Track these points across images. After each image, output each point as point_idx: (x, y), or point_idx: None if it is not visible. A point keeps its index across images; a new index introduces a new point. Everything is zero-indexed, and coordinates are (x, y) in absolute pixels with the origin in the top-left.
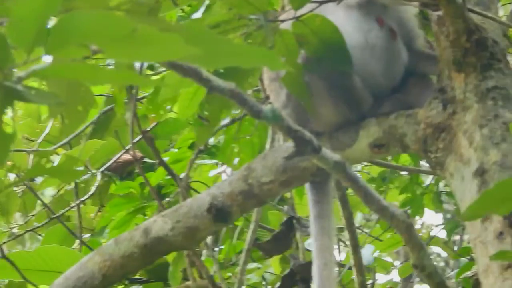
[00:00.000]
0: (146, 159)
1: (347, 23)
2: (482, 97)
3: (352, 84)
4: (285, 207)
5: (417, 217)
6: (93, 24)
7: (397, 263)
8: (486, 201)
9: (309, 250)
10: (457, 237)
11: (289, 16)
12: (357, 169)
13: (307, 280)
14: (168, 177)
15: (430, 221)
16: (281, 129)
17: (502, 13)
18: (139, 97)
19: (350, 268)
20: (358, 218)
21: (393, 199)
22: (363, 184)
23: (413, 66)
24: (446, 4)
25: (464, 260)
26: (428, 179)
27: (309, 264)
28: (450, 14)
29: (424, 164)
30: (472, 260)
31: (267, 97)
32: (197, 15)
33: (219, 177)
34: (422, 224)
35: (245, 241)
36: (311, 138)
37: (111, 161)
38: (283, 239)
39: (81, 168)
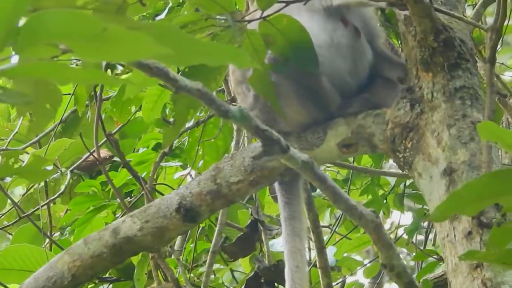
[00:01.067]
0: (115, 158)
1: (313, 23)
2: (450, 96)
3: (319, 84)
4: (250, 209)
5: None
6: (62, 23)
7: (366, 261)
8: (454, 201)
9: (276, 251)
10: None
11: (256, 16)
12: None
13: (272, 283)
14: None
15: (401, 221)
16: (248, 128)
17: (469, 12)
18: (105, 97)
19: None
20: (327, 217)
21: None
22: (331, 183)
23: (376, 67)
24: (413, 3)
25: (430, 259)
26: (393, 180)
27: (274, 266)
28: (417, 14)
29: (389, 164)
30: (436, 260)
31: (232, 99)
32: (161, 17)
33: (184, 180)
34: (391, 224)
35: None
36: (278, 138)
37: (81, 160)
38: (248, 241)
39: (50, 167)
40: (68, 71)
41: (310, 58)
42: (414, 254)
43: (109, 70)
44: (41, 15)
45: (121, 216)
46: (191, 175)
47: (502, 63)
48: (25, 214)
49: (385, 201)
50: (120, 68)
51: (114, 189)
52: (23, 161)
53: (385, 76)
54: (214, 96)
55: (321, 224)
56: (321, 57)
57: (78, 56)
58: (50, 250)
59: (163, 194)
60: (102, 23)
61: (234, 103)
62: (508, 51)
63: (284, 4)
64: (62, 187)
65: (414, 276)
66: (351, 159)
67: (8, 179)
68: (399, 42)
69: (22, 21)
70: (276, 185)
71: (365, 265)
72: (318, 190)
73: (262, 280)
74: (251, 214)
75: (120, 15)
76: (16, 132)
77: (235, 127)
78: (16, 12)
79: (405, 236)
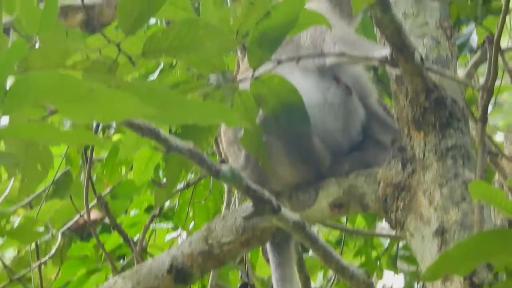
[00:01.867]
0: (106, 220)
1: (306, 82)
2: (441, 156)
3: (310, 144)
4: (240, 272)
5: (376, 278)
6: (49, 85)
7: None
8: (446, 261)
9: None
10: None
11: (247, 76)
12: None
13: None
14: None
15: (392, 282)
16: (239, 188)
17: (460, 72)
18: (95, 157)
19: None
20: (319, 278)
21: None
22: (323, 244)
23: (369, 127)
24: (404, 62)
25: None
26: (387, 241)
27: None
28: (408, 73)
29: (381, 226)
30: None
31: (222, 161)
32: (152, 77)
33: (175, 241)
34: (383, 286)
35: None
36: (270, 198)
37: (72, 222)
38: None
39: (42, 228)
40: (57, 133)
41: (301, 118)
42: None
43: (101, 132)
44: (27, 77)
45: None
46: (182, 237)
47: (494, 126)
48: (16, 277)
49: (378, 262)
50: (113, 129)
51: (105, 252)
52: (14, 223)
53: (377, 138)
54: (205, 156)
55: (314, 285)
56: (313, 117)
57: (65, 117)
58: None
59: (153, 257)
60: (88, 84)
61: (223, 164)
62: (500, 112)
63: (276, 63)
64: (53, 249)
65: None
66: (344, 218)
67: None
68: (391, 101)
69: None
70: (267, 246)
71: None
72: (310, 251)
73: None
74: (241, 278)
75: (110, 75)
76: (7, 194)
77: (226, 188)
78: (3, 73)
79: None
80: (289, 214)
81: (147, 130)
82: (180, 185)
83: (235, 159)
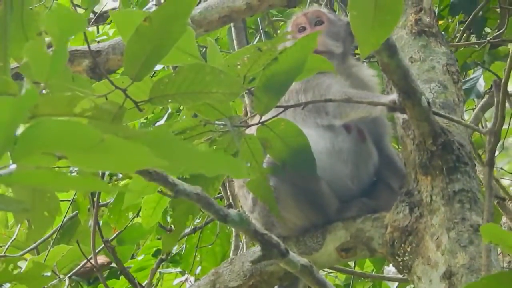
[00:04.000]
0: (113, 264)
1: (311, 130)
2: (449, 200)
3: (317, 189)
4: None
5: None
6: (59, 133)
7: None
8: None
9: None
10: None
11: (255, 121)
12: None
13: None
14: None
15: None
16: (247, 233)
17: (467, 117)
18: (102, 203)
19: None
20: None
21: None
22: (331, 287)
23: (380, 171)
24: (411, 107)
25: None
26: (395, 285)
27: None
28: (415, 117)
29: (388, 269)
30: None
31: (229, 205)
32: (160, 122)
33: (183, 286)
34: None
35: None
36: (278, 242)
37: (79, 266)
38: None
39: (49, 273)
40: (65, 179)
41: (308, 162)
42: None
43: (108, 177)
44: (38, 124)
45: None
46: (189, 281)
47: (501, 168)
48: None
49: None
50: (120, 174)
51: None
52: (22, 268)
53: (388, 183)
54: (213, 201)
55: None
56: (321, 162)
57: (74, 165)
58: None
59: None
60: (99, 134)
61: (231, 209)
62: (506, 155)
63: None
64: None
65: None
66: (352, 262)
67: (7, 286)
68: (398, 146)
69: (20, 129)
70: None
71: None
72: None
73: None
74: None
75: (117, 123)
76: (14, 239)
77: (233, 233)
78: (14, 121)
79: None
80: (297, 258)
81: (155, 174)
82: (187, 230)
83: (244, 201)
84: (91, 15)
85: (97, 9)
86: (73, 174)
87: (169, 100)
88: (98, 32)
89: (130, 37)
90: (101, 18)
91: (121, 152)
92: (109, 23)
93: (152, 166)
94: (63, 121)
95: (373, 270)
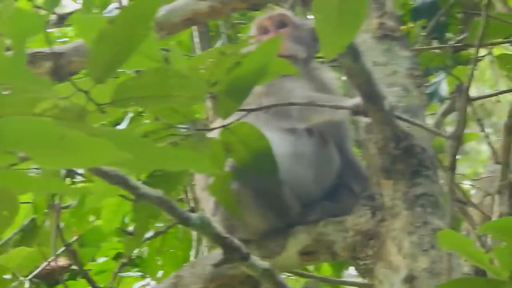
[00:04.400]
0: (74, 266)
1: (273, 134)
2: (410, 204)
3: (279, 192)
4: None
5: None
6: (20, 131)
7: None
8: None
9: None
10: None
11: (217, 125)
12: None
13: None
14: None
15: None
16: (209, 236)
17: (429, 121)
18: (64, 205)
19: None
20: None
21: None
22: None
23: (342, 175)
24: (374, 111)
25: None
26: None
27: None
28: (378, 121)
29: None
30: None
31: (192, 209)
32: (121, 126)
33: None
34: None
35: None
36: (239, 246)
37: (39, 269)
38: None
39: (9, 276)
40: (26, 180)
41: (270, 166)
42: None
43: (67, 179)
44: None
45: None
46: (150, 286)
47: (462, 174)
48: None
49: None
50: (79, 176)
51: None
52: None
53: (350, 187)
54: (175, 204)
55: None
56: (283, 166)
57: (37, 163)
58: None
59: None
60: (60, 130)
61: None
62: (467, 160)
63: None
64: None
65: None
66: (312, 267)
67: None
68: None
69: None
70: None
71: None
72: None
73: None
74: None
75: (80, 123)
76: None
77: (194, 237)
78: None
79: None
80: (259, 261)
81: (116, 177)
82: (149, 234)
83: (206, 204)
84: (54, 17)
85: (62, 10)
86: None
87: (132, 103)
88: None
89: (94, 40)
90: (63, 20)
91: (84, 148)
92: (69, 25)
93: (115, 161)
94: (23, 118)
95: (332, 274)
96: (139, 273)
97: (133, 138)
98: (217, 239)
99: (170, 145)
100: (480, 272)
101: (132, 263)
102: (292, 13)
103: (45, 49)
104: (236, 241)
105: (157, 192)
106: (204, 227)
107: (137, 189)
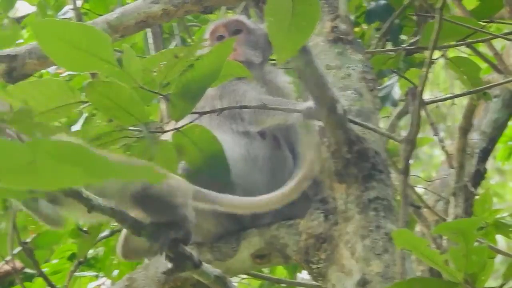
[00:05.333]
0: (26, 269)
1: (226, 137)
2: (363, 207)
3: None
4: None
5: None
6: None
7: None
8: None
9: None
10: None
11: (170, 127)
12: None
13: None
14: None
15: None
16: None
17: (382, 124)
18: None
19: None
20: None
21: None
22: None
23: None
24: (327, 114)
25: None
26: None
27: None
28: (331, 125)
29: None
30: None
31: None
32: (76, 127)
33: None
34: None
35: None
36: (191, 254)
37: None
38: None
39: None
40: None
41: (222, 169)
42: None
43: None
44: None
45: None
46: (105, 285)
47: (418, 176)
48: None
49: None
50: None
51: None
52: None
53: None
54: (127, 215)
55: None
56: (236, 169)
57: (5, 184)
58: None
59: None
60: (30, 155)
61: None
62: (420, 164)
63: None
64: None
65: None
66: (266, 269)
67: None
68: None
69: None
70: None
71: None
72: None
73: None
74: None
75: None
76: None
77: None
78: None
79: None
80: (211, 269)
81: (70, 192)
82: (105, 233)
83: None
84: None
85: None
86: None
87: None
88: None
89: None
90: (18, 22)
91: (53, 172)
92: (23, 28)
93: (81, 185)
94: None
95: (286, 276)
96: (94, 273)
97: (84, 151)
98: (170, 247)
99: (123, 147)
100: (434, 274)
101: (88, 263)
102: (246, 18)
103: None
104: (187, 250)
105: (109, 203)
106: (155, 237)
107: (89, 201)
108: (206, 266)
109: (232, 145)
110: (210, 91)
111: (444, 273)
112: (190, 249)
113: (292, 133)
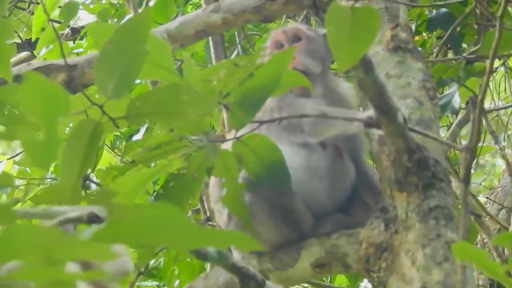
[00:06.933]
0: None
1: (286, 147)
2: (424, 216)
3: (292, 204)
4: None
5: None
6: (24, 239)
7: None
8: None
9: None
10: None
11: (230, 137)
12: None
13: None
14: None
15: None
16: (226, 268)
17: (442, 133)
18: None
19: None
20: None
21: None
22: None
23: (356, 188)
24: (387, 123)
25: None
26: None
27: None
28: (391, 134)
29: (364, 284)
30: None
31: (208, 219)
32: (137, 136)
33: None
34: None
35: None
36: (254, 274)
37: None
38: None
39: None
40: None
41: (282, 177)
42: None
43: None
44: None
45: None
46: None
47: (480, 183)
48: None
49: None
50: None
51: None
52: None
53: (363, 199)
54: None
55: None
56: (296, 178)
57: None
58: None
59: None
60: (63, 237)
61: (209, 222)
62: (482, 173)
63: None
64: None
65: None
66: (327, 278)
67: None
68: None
69: None
70: None
71: None
72: None
73: None
74: None
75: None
76: None
77: None
78: None
79: None
80: (273, 286)
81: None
82: None
83: (219, 216)
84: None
85: (77, 23)
86: None
87: (145, 119)
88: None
89: (97, 60)
90: (77, 32)
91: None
92: (83, 37)
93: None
94: (28, 226)
95: (347, 285)
96: (155, 283)
97: (173, 218)
98: (234, 270)
99: (182, 156)
100: (495, 284)
101: (149, 273)
102: (306, 26)
103: (59, 61)
104: (251, 270)
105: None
106: (221, 260)
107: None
108: (268, 285)
109: (291, 155)
110: (269, 103)
111: (506, 285)
112: (253, 267)
113: (354, 143)
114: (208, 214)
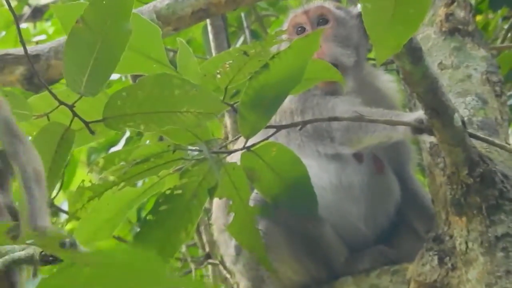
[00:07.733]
0: None
1: (312, 161)
2: (489, 247)
3: (320, 234)
4: None
5: None
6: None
7: None
8: None
9: None
10: None
11: (238, 146)
12: None
13: None
14: None
15: None
16: None
17: None
18: None
19: None
20: None
21: None
22: None
23: (402, 209)
24: (441, 128)
25: None
26: None
27: None
28: (446, 141)
29: None
30: None
31: (207, 255)
32: (116, 148)
33: None
34: None
35: None
36: None
37: None
38: None
39: None
40: None
41: (307, 199)
42: None
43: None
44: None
45: None
46: None
47: None
48: None
49: None
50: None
51: None
52: None
53: (411, 225)
54: None
55: None
56: (324, 200)
57: None
58: None
59: None
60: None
61: (209, 260)
62: None
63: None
64: None
65: None
66: None
67: None
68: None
69: None
70: None
71: None
72: None
73: None
74: None
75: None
76: None
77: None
78: None
79: None
80: None
81: None
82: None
83: (225, 250)
84: (27, 9)
85: (36, 2)
86: None
87: (128, 123)
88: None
89: (66, 43)
90: (39, 13)
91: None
92: (48, 19)
93: None
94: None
95: None
96: None
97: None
98: None
99: (177, 172)
100: None
101: None
102: (335, 4)
103: (17, 50)
104: None
105: None
106: None
107: None
108: None
109: (318, 170)
110: (288, 105)
111: None
112: None
113: (399, 153)
114: (207, 249)
